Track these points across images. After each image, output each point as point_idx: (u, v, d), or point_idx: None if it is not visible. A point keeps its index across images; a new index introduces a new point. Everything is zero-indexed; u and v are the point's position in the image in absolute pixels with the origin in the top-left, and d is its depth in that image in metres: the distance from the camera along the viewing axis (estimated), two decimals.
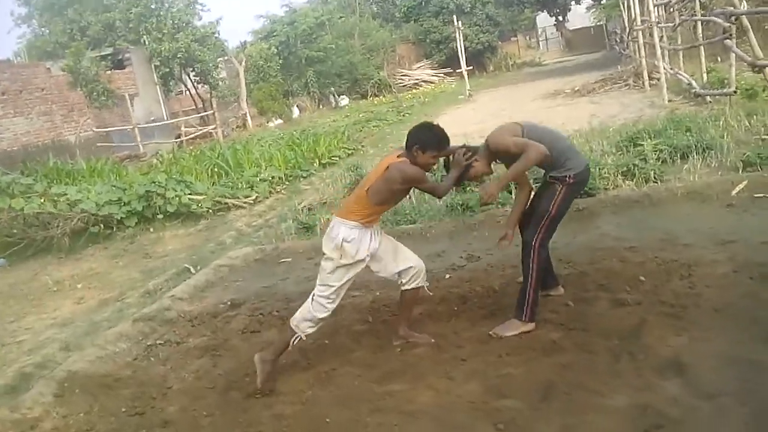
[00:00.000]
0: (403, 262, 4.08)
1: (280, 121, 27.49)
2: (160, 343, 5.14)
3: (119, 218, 9.46)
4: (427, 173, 3.93)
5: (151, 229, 9.53)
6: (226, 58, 29.64)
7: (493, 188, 4.00)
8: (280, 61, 30.81)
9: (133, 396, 4.23)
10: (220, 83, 28.34)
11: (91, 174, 13.36)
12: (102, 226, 9.34)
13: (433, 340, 4.16)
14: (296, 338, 3.99)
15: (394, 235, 6.88)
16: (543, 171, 4.27)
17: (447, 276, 5.47)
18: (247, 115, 27.15)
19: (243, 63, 27.86)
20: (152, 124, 22.89)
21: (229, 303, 5.88)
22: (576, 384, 3.29)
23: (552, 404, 3.18)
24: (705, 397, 2.95)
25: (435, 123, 4.03)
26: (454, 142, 4.09)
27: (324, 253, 4.03)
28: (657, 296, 4.15)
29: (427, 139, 3.83)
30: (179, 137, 23.15)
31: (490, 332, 4.08)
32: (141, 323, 5.55)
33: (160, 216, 9.68)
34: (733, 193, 6.12)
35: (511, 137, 3.96)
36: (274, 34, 32.86)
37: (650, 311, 3.93)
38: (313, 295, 4.02)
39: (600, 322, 3.94)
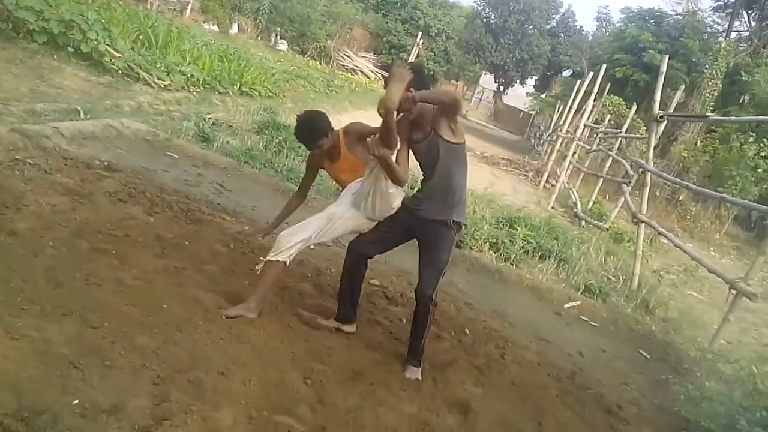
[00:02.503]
0: None
1: (215, 28, 26.79)
2: (29, 162, 5.07)
3: (31, 29, 9.04)
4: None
5: (55, 57, 9.18)
6: None
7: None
8: None
9: None
10: None
11: None
12: (11, 25, 8.90)
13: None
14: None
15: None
16: (434, 207, 3.91)
17: (312, 246, 5.76)
18: (190, 5, 26.26)
19: None
20: None
21: (105, 163, 5.87)
22: (382, 381, 3.69)
23: (356, 386, 3.55)
24: None
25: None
26: None
27: None
28: (473, 349, 4.69)
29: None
30: None
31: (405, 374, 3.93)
32: (16, 135, 5.44)
33: (71, 50, 9.35)
34: (566, 306, 6.86)
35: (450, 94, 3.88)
36: None
37: (463, 358, 4.44)
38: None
39: None
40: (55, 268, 3.63)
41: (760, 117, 10.92)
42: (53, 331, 3.02)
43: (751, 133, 18.34)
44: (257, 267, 4.00)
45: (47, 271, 3.56)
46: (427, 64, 38.14)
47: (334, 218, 4.01)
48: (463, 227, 3.97)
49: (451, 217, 3.88)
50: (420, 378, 3.91)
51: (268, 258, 3.91)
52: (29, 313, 3.12)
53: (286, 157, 8.30)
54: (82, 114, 7.07)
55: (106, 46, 9.63)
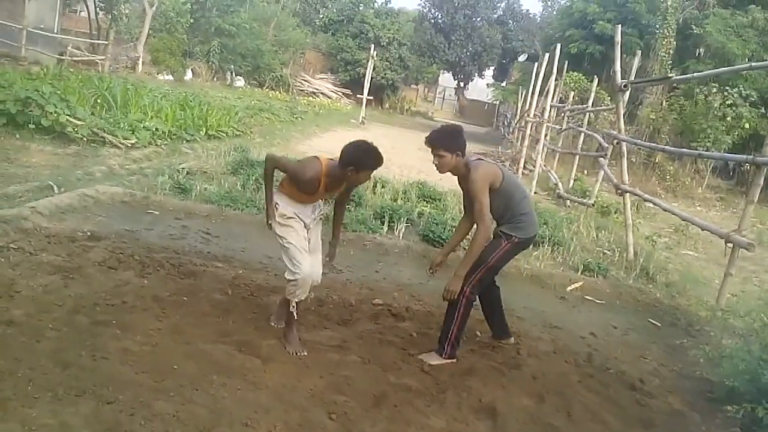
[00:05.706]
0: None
1: (170, 77, 26.78)
2: (12, 248, 5.01)
3: None
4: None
5: (17, 136, 9.13)
6: None
7: (454, 285, 4.26)
8: (191, 20, 30.10)
9: None
10: (124, 18, 27.18)
11: None
12: None
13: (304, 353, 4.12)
14: (292, 306, 4.16)
15: None
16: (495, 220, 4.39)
17: None
18: (140, 59, 26.23)
19: (154, 7, 26.97)
20: (40, 32, 21.55)
21: (88, 233, 5.82)
22: (405, 401, 3.68)
23: (381, 411, 3.54)
24: None
25: (370, 144, 4.03)
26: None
27: None
28: (488, 351, 4.68)
29: (365, 161, 3.96)
30: (62, 55, 21.96)
31: (418, 356, 4.33)
32: None
33: (32, 126, 9.30)
34: (568, 289, 6.89)
35: (482, 191, 4.12)
36: None
37: (480, 362, 4.43)
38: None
39: None
40: (60, 349, 3.58)
41: (720, 69, 11.02)
42: (69, 414, 2.98)
43: (713, 84, 18.57)
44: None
45: (52, 354, 3.52)
46: (384, 73, 38.30)
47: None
48: (515, 238, 4.35)
49: (500, 228, 4.41)
50: (432, 363, 4.24)
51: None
52: (42, 400, 3.07)
53: None
54: (56, 189, 7.01)
55: (67, 117, 9.58)
